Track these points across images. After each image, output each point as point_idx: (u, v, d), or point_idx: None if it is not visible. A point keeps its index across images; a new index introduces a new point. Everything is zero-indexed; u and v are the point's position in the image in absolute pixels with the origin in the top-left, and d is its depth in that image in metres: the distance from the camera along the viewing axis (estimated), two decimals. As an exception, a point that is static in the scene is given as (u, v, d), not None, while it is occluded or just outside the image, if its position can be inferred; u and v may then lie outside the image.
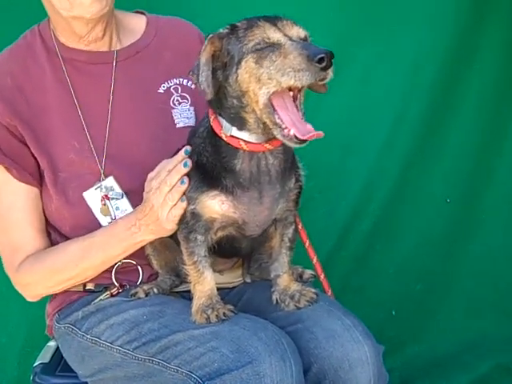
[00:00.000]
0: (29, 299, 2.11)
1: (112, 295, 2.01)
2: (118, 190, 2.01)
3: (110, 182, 2.01)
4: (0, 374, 2.76)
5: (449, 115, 2.91)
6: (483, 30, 2.83)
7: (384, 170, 2.89)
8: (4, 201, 2.01)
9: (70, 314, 2.02)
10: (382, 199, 2.92)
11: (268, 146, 1.69)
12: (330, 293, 2.07)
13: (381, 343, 1.87)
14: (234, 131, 1.69)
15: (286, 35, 1.58)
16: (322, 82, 1.57)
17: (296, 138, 1.56)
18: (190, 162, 1.75)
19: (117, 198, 2.00)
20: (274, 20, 1.61)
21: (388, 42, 2.79)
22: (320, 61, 1.50)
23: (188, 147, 1.78)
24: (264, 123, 1.63)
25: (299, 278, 2.02)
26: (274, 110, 1.58)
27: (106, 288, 2.04)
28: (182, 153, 1.79)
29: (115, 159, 2.01)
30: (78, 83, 2.03)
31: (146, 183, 1.85)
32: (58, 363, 2.17)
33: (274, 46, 1.57)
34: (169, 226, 1.82)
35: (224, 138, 1.70)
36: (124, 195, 2.01)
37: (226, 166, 1.71)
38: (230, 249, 1.87)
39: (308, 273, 2.06)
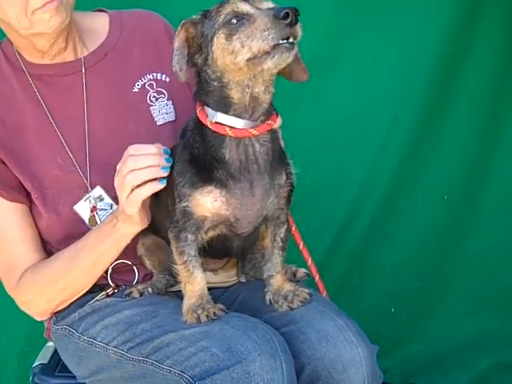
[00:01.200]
0: (37, 318, 2.10)
1: (108, 295, 2.01)
2: (107, 198, 2.00)
3: (98, 191, 1.99)
4: (0, 374, 2.77)
5: (445, 113, 2.91)
6: (478, 27, 2.84)
7: (380, 167, 2.89)
8: None
9: (66, 315, 2.02)
10: (378, 197, 2.93)
11: (253, 131, 1.69)
12: (325, 294, 2.06)
13: (380, 341, 1.88)
14: (220, 116, 1.68)
15: (256, 7, 1.59)
16: (292, 40, 1.55)
17: (281, 42, 1.54)
18: (171, 162, 1.75)
19: (105, 209, 1.99)
20: None
21: (383, 40, 2.79)
22: (285, 16, 1.51)
23: (166, 148, 1.78)
24: (252, 92, 1.64)
25: (293, 277, 2.01)
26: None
27: (102, 288, 2.03)
28: (155, 145, 1.77)
29: (100, 168, 2.00)
30: (50, 98, 2.01)
31: None
32: (57, 364, 2.17)
33: (244, 18, 1.58)
34: (130, 211, 1.76)
35: (209, 126, 1.70)
36: (113, 205, 2.00)
37: (216, 155, 1.70)
38: (221, 248, 1.86)
39: (301, 271, 2.05)
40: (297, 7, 1.51)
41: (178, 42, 1.67)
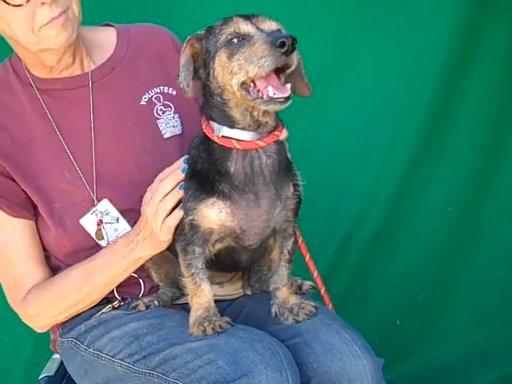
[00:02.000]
0: (38, 330, 2.11)
1: (114, 308, 2.02)
2: (113, 212, 2.01)
3: (105, 205, 2.01)
4: (7, 385, 2.78)
5: (448, 124, 2.91)
6: (482, 39, 2.84)
7: (385, 178, 2.89)
8: (0, 239, 2.01)
9: (72, 327, 2.03)
10: (383, 208, 2.92)
11: (260, 143, 1.70)
12: (330, 306, 2.06)
13: (385, 353, 1.87)
14: (226, 131, 1.70)
15: (257, 28, 1.61)
16: (288, 70, 1.60)
17: (275, 96, 1.59)
18: (186, 167, 1.77)
19: (111, 223, 2.01)
20: (248, 15, 1.65)
21: (387, 52, 2.80)
22: (281, 45, 1.53)
23: (186, 156, 1.80)
24: (251, 114, 1.67)
25: (298, 290, 2.02)
26: (249, 86, 1.62)
27: (108, 301, 2.04)
28: (179, 161, 1.80)
29: (106, 182, 2.01)
30: (57, 111, 2.02)
31: (144, 197, 1.86)
32: (64, 376, 2.18)
33: (245, 39, 1.61)
34: (163, 238, 1.82)
35: (216, 140, 1.71)
36: (119, 218, 2.01)
37: (221, 168, 1.71)
38: (230, 261, 1.87)
39: (307, 284, 2.06)
40: (294, 35, 1.54)
41: (184, 58, 1.70)
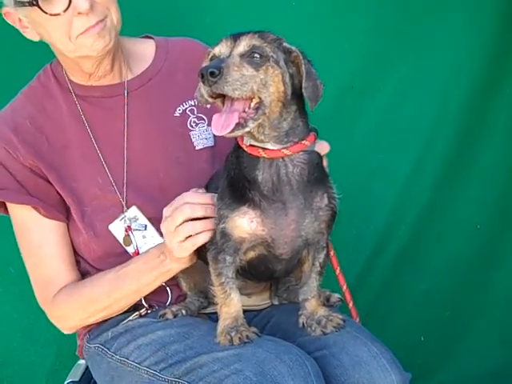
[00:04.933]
0: (65, 331, 2.13)
1: (141, 316, 2.03)
2: (142, 219, 2.04)
3: (134, 212, 2.03)
4: (29, 392, 2.79)
5: (478, 140, 2.89)
6: (513, 55, 2.83)
7: (413, 194, 2.88)
8: (34, 238, 2.05)
9: (99, 334, 2.05)
10: (410, 224, 2.91)
11: (286, 151, 1.71)
12: (358, 320, 2.05)
13: (409, 369, 1.85)
14: (253, 140, 1.72)
15: (231, 50, 1.63)
16: (216, 99, 1.63)
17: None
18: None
19: (140, 230, 2.03)
20: (239, 35, 1.66)
21: (417, 67, 2.80)
22: (201, 76, 1.57)
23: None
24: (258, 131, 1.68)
25: (326, 302, 2.01)
26: None
27: (135, 308, 2.05)
28: (212, 195, 1.81)
29: (136, 189, 2.04)
30: (94, 118, 2.06)
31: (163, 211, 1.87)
32: (88, 382, 2.19)
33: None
34: (180, 255, 1.83)
35: (245, 148, 1.73)
36: (147, 226, 2.04)
37: (249, 176, 1.73)
38: (264, 271, 1.87)
39: (335, 297, 2.06)
40: (219, 66, 1.56)
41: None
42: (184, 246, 1.81)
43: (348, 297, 2.05)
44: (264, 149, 1.71)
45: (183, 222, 1.79)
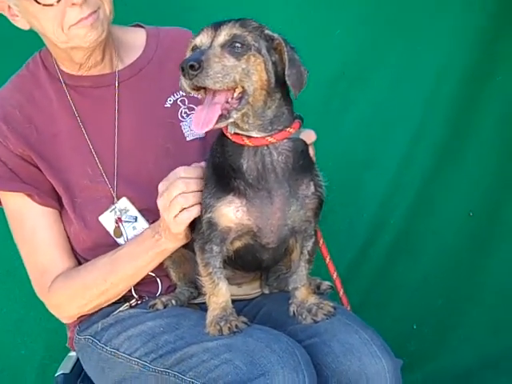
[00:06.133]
0: (64, 321, 2.12)
1: (131, 307, 2.02)
2: (132, 210, 2.03)
3: (124, 203, 2.02)
4: (19, 386, 2.78)
5: (470, 128, 2.90)
6: (505, 42, 2.82)
7: (405, 183, 2.88)
8: (28, 226, 2.04)
9: (89, 325, 2.04)
10: (403, 213, 2.91)
11: (271, 139, 1.70)
12: (349, 308, 2.05)
13: (402, 358, 1.85)
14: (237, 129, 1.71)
15: (212, 40, 1.62)
16: (199, 91, 1.62)
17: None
18: None
19: (130, 221, 2.02)
20: (220, 24, 1.64)
21: (409, 56, 2.79)
22: (182, 70, 1.56)
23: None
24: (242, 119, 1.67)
25: (317, 290, 2.01)
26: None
27: (126, 299, 2.04)
28: (203, 164, 1.81)
29: (127, 180, 2.03)
30: (84, 108, 2.05)
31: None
32: (80, 373, 2.18)
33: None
34: (176, 230, 1.81)
35: (229, 136, 1.72)
36: (138, 217, 2.03)
37: (233, 165, 1.72)
38: (252, 260, 1.86)
39: (325, 284, 2.05)
40: (200, 59, 1.55)
41: None
42: (179, 220, 1.78)
43: (339, 285, 2.04)
44: (248, 137, 1.70)
45: (177, 196, 1.77)
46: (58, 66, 2.06)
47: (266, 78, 1.64)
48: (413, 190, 2.90)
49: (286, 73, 1.64)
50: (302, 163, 1.75)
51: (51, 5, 1.83)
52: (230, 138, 1.72)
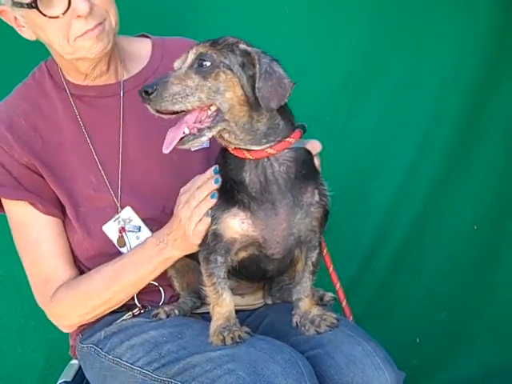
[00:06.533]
0: (64, 330, 2.11)
1: (134, 316, 2.02)
2: (136, 220, 2.03)
3: (128, 213, 2.03)
4: (19, 396, 2.77)
5: (476, 139, 2.88)
6: (511, 54, 2.81)
7: (409, 194, 2.87)
8: (31, 235, 2.03)
9: (92, 334, 2.03)
10: (407, 224, 2.90)
11: (270, 150, 1.70)
12: (351, 319, 2.04)
13: (404, 371, 1.85)
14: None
15: (183, 63, 1.67)
16: (160, 113, 1.66)
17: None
18: (220, 179, 1.77)
19: (133, 231, 2.02)
20: (198, 44, 1.68)
21: (414, 65, 2.79)
22: (140, 96, 1.62)
23: (216, 166, 1.80)
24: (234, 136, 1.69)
25: (320, 301, 2.01)
26: None
27: (129, 308, 2.04)
28: (210, 170, 1.81)
29: (131, 190, 2.04)
30: (89, 118, 2.06)
31: (177, 198, 1.86)
32: (81, 382, 2.17)
33: None
34: (195, 241, 1.81)
35: (231, 150, 1.73)
36: (141, 227, 2.03)
37: (236, 178, 1.73)
38: (256, 271, 1.87)
39: (329, 295, 2.05)
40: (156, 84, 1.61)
41: None
42: (198, 230, 1.79)
43: (341, 295, 2.04)
44: (249, 150, 1.71)
45: (199, 205, 1.79)
46: (63, 75, 2.07)
47: (242, 93, 1.65)
48: (417, 201, 2.89)
49: (256, 85, 1.63)
50: (304, 172, 1.75)
51: (57, 17, 1.84)
52: (232, 152, 1.73)
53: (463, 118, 2.85)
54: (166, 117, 1.67)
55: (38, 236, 2.03)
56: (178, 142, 1.66)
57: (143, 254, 1.93)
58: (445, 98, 2.81)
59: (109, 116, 2.07)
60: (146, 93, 1.59)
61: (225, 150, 1.76)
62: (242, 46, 1.67)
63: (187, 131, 1.65)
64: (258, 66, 1.63)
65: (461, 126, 2.85)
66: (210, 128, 1.64)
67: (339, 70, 2.74)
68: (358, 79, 2.77)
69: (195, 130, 1.64)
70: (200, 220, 1.78)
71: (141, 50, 2.16)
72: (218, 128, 1.65)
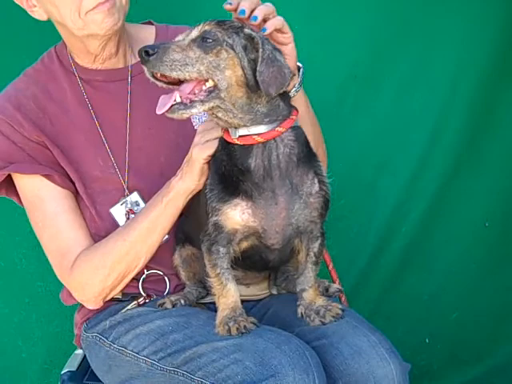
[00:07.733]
0: (90, 305, 2.06)
1: (139, 305, 2.02)
2: (142, 204, 2.04)
3: (135, 196, 2.05)
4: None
5: (487, 135, 2.86)
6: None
7: (418, 190, 2.84)
8: (48, 208, 2.04)
9: (97, 323, 2.04)
10: (416, 221, 2.87)
11: (279, 128, 1.71)
12: (343, 299, 2.08)
13: (412, 371, 1.84)
14: (241, 131, 1.72)
15: (186, 36, 1.67)
16: (157, 79, 1.67)
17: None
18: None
19: None
20: (204, 22, 1.68)
21: (425, 59, 2.76)
22: (139, 56, 1.62)
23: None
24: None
25: (325, 292, 2.00)
26: None
27: (133, 298, 2.05)
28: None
29: (138, 173, 2.06)
30: (97, 102, 2.08)
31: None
32: (86, 371, 2.17)
33: None
34: (206, 153, 1.82)
35: (237, 141, 1.73)
36: None
37: (241, 166, 1.73)
38: (259, 260, 1.86)
39: (334, 287, 2.04)
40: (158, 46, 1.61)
41: None
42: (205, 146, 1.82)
43: (342, 297, 2.04)
44: (258, 134, 1.71)
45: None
46: (72, 59, 2.10)
47: (242, 74, 1.65)
48: (426, 197, 2.85)
49: (257, 69, 1.64)
50: (304, 154, 1.75)
51: None
52: (238, 142, 1.73)
53: (474, 112, 2.81)
54: (159, 84, 1.68)
55: (56, 208, 2.03)
56: (168, 110, 1.66)
57: (154, 198, 1.95)
58: (455, 91, 2.79)
59: (116, 100, 2.09)
60: (147, 53, 1.59)
61: (227, 143, 1.75)
62: (247, 30, 1.69)
63: (179, 99, 1.65)
64: (261, 50, 1.65)
65: (471, 121, 2.82)
66: (202, 102, 1.64)
67: (346, 63, 2.72)
68: (366, 72, 2.75)
69: (188, 100, 1.64)
70: (207, 141, 1.81)
71: (146, 35, 2.19)
72: (211, 104, 1.65)
